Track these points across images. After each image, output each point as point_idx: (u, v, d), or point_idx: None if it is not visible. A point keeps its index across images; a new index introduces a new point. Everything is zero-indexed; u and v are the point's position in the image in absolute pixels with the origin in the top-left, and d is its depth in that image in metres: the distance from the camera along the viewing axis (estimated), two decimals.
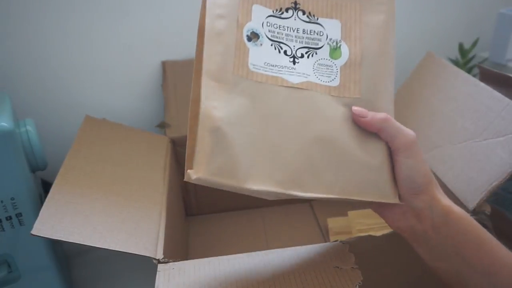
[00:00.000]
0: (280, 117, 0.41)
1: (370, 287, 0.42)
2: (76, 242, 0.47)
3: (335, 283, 0.41)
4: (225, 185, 0.39)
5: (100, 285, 0.65)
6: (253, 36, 0.42)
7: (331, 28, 0.44)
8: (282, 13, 0.43)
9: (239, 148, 0.39)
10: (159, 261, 0.46)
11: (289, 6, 0.44)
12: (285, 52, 0.43)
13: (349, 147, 0.41)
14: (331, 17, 0.44)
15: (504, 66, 0.79)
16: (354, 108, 0.41)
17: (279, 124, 0.41)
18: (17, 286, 0.56)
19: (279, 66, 0.42)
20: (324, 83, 0.42)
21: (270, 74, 0.42)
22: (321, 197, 0.40)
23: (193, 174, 0.38)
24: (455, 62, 0.85)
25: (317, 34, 0.44)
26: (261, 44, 0.42)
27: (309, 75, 0.42)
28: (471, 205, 0.51)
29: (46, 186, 0.60)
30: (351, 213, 0.72)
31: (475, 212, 0.51)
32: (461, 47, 0.85)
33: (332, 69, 0.43)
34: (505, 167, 0.50)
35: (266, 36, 0.42)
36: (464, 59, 0.85)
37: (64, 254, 0.67)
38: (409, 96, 0.71)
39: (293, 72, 0.42)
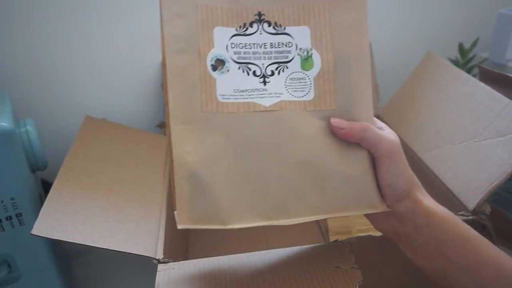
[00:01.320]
0: (256, 146, 0.40)
1: (370, 287, 0.42)
2: (76, 242, 0.47)
3: (335, 283, 0.41)
4: (211, 228, 0.39)
5: (100, 285, 0.65)
6: (218, 64, 0.40)
7: (300, 36, 0.41)
8: (247, 29, 0.41)
9: (219, 187, 0.39)
10: (159, 261, 0.46)
11: (253, 19, 0.41)
12: (254, 73, 0.41)
13: (330, 163, 0.40)
14: (299, 24, 0.41)
15: (504, 66, 0.79)
16: (332, 120, 0.41)
17: (256, 153, 0.40)
18: (17, 286, 0.56)
19: (249, 90, 0.40)
20: (298, 99, 0.41)
21: (241, 100, 0.40)
22: (307, 220, 0.40)
23: (178, 224, 0.39)
24: (455, 62, 0.85)
25: (286, 45, 0.41)
26: (227, 70, 0.40)
27: (281, 94, 0.41)
28: (471, 205, 0.51)
29: (46, 186, 0.60)
30: None
31: (475, 212, 0.51)
32: (461, 47, 0.85)
33: (306, 82, 0.41)
34: (505, 167, 0.50)
35: (232, 59, 0.40)
36: (464, 59, 0.85)
37: (64, 254, 0.66)
38: (409, 96, 0.71)
39: (264, 94, 0.41)
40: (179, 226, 0.39)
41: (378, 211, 0.41)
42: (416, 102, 0.69)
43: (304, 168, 0.40)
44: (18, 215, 0.52)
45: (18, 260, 0.55)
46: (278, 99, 0.41)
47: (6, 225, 0.52)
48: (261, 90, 0.41)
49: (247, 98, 0.40)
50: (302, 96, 0.41)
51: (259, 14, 0.41)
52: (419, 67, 0.72)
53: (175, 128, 0.40)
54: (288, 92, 0.41)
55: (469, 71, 0.85)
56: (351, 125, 0.40)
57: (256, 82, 0.41)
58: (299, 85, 0.41)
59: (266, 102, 0.40)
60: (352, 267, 0.42)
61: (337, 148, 0.41)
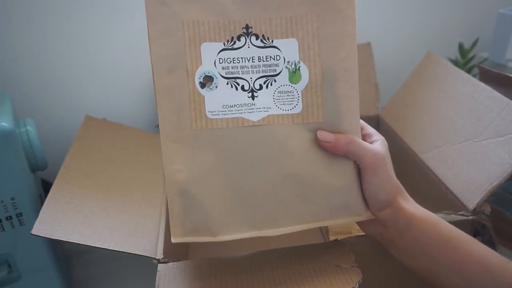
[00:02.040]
0: (245, 161, 0.41)
1: (370, 287, 0.42)
2: (76, 242, 0.47)
3: (335, 281, 0.41)
4: (203, 241, 0.41)
5: (100, 285, 0.65)
6: (207, 81, 0.40)
7: (288, 49, 0.41)
8: (234, 42, 0.40)
9: (209, 201, 0.41)
10: (159, 261, 0.46)
11: (241, 32, 0.40)
12: (242, 87, 0.41)
13: (317, 175, 0.42)
14: (287, 37, 0.41)
15: (504, 66, 0.79)
16: (319, 133, 0.41)
17: (245, 167, 0.41)
18: (17, 286, 0.56)
19: (238, 106, 0.41)
20: (286, 112, 0.41)
21: (230, 116, 0.41)
22: (294, 229, 0.42)
23: (172, 238, 0.41)
24: (455, 62, 0.85)
25: (274, 59, 0.41)
26: (216, 87, 0.40)
27: (269, 108, 0.41)
28: (471, 205, 0.51)
29: (46, 186, 0.61)
30: None
31: (475, 212, 0.51)
32: (461, 47, 0.85)
33: (294, 95, 0.41)
34: (505, 167, 0.50)
35: (220, 75, 0.40)
36: (464, 59, 0.85)
37: (64, 254, 0.67)
38: (409, 96, 0.71)
39: (253, 108, 0.41)
40: (173, 240, 0.40)
41: (363, 219, 0.43)
42: (416, 102, 0.69)
43: (291, 180, 0.41)
44: (18, 215, 0.52)
45: (18, 260, 0.55)
46: (266, 114, 0.41)
47: (6, 225, 0.52)
48: (249, 105, 0.41)
49: (236, 113, 0.41)
50: (290, 109, 0.41)
51: (247, 27, 0.40)
52: (419, 67, 0.72)
53: (166, 146, 0.40)
54: (276, 105, 0.41)
55: (469, 71, 0.85)
56: (336, 139, 0.41)
57: (245, 97, 0.41)
58: (287, 98, 0.41)
59: (254, 117, 0.41)
60: (352, 266, 0.43)
61: (324, 160, 0.42)
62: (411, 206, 0.42)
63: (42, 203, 0.51)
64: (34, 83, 0.74)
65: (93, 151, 0.62)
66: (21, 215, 0.52)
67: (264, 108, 0.41)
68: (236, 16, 0.40)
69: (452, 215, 0.50)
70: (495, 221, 0.51)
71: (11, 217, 0.52)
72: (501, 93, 0.55)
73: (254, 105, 0.41)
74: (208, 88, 0.40)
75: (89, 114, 0.70)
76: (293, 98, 0.41)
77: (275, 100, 0.41)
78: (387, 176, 0.42)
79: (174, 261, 0.46)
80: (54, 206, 0.51)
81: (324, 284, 0.41)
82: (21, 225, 0.53)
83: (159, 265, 0.45)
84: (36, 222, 0.47)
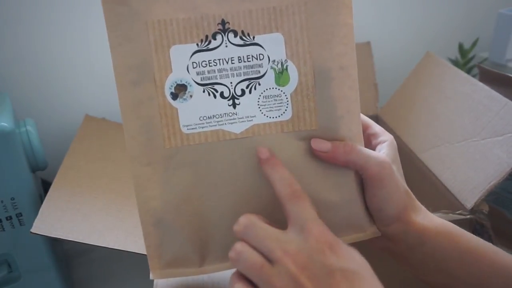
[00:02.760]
0: (228, 179, 0.36)
1: None
2: (75, 240, 0.47)
3: None
4: (186, 274, 0.37)
5: (100, 285, 0.65)
6: (179, 90, 0.35)
7: (273, 46, 0.35)
8: (210, 42, 0.34)
9: (189, 228, 0.36)
10: None
11: (216, 30, 0.34)
12: (221, 94, 0.35)
13: (312, 189, 0.36)
14: (270, 31, 0.35)
15: (504, 66, 0.79)
16: (313, 143, 0.36)
17: (229, 187, 0.36)
18: (17, 286, 0.56)
19: (217, 116, 0.35)
20: (274, 120, 0.36)
21: (209, 129, 0.35)
22: None
23: (151, 273, 0.37)
24: (455, 62, 0.85)
25: (257, 58, 0.35)
26: (190, 96, 0.35)
27: (254, 116, 0.36)
28: (469, 204, 0.51)
29: (46, 186, 0.61)
30: None
31: (473, 211, 0.51)
32: (461, 47, 0.85)
33: (282, 99, 0.36)
34: (503, 166, 0.50)
35: (195, 82, 0.35)
36: (464, 59, 0.85)
37: (64, 254, 0.67)
38: (407, 96, 0.71)
39: (234, 118, 0.36)
40: (152, 276, 0.37)
41: (367, 237, 0.38)
42: (415, 102, 0.69)
43: None
44: (18, 215, 0.52)
45: (18, 260, 0.55)
46: (250, 123, 0.36)
47: (6, 225, 0.53)
48: (230, 114, 0.36)
49: (215, 125, 0.36)
50: (278, 116, 0.36)
51: (223, 23, 0.34)
52: (418, 67, 0.72)
53: (136, 171, 0.36)
54: (262, 112, 0.36)
55: (469, 71, 0.85)
56: (334, 147, 0.36)
57: (225, 105, 0.35)
58: (274, 104, 0.36)
59: (237, 128, 0.36)
60: None
61: (320, 173, 0.37)
62: (423, 218, 0.37)
63: (42, 203, 0.51)
64: (34, 83, 0.75)
65: (92, 150, 0.62)
66: (21, 215, 0.53)
67: (248, 117, 0.36)
68: (210, 10, 0.34)
69: (450, 215, 0.50)
70: (495, 221, 0.51)
71: (11, 217, 0.52)
72: (501, 93, 0.55)
73: (236, 114, 0.36)
74: (181, 99, 0.35)
75: (88, 113, 0.70)
76: (281, 103, 0.36)
77: (260, 107, 0.36)
78: (395, 187, 0.36)
79: None
80: (54, 204, 0.51)
81: None
82: (21, 225, 0.53)
83: None
84: (36, 221, 0.47)
